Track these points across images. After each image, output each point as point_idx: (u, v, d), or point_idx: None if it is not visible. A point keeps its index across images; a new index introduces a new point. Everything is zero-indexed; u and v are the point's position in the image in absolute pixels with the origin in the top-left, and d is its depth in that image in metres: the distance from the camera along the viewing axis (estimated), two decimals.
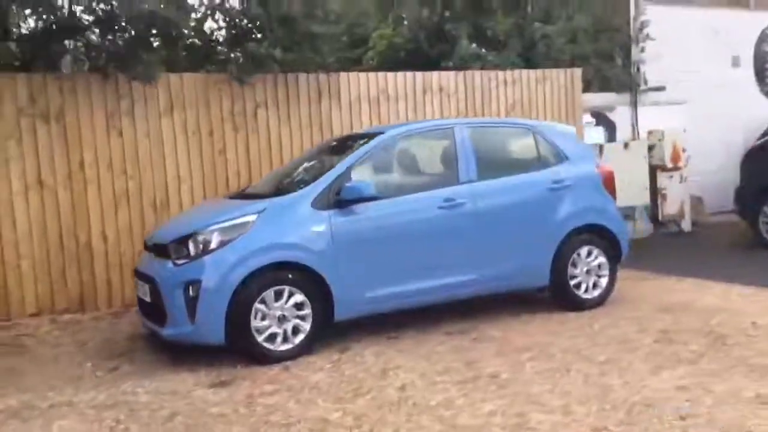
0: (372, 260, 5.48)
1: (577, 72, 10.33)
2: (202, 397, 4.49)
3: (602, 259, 6.43)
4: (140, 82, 7.19)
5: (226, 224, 5.21)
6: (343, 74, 8.79)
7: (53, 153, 7.23)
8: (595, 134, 10.82)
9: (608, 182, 6.59)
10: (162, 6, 7.07)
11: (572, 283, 6.29)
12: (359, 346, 5.48)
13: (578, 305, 6.28)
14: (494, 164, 6.22)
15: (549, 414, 3.93)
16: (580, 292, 6.32)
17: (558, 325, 5.85)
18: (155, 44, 7.97)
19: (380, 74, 9.08)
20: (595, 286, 6.40)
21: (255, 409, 4.20)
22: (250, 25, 7.74)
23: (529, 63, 10.90)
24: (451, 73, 9.50)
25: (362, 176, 5.62)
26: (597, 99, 10.74)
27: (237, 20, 7.72)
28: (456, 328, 5.88)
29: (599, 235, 6.45)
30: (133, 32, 7.42)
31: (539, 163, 6.41)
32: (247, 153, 8.10)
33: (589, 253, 6.38)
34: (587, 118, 10.67)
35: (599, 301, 6.39)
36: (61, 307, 7.19)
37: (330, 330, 5.51)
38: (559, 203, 6.24)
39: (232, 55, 7.85)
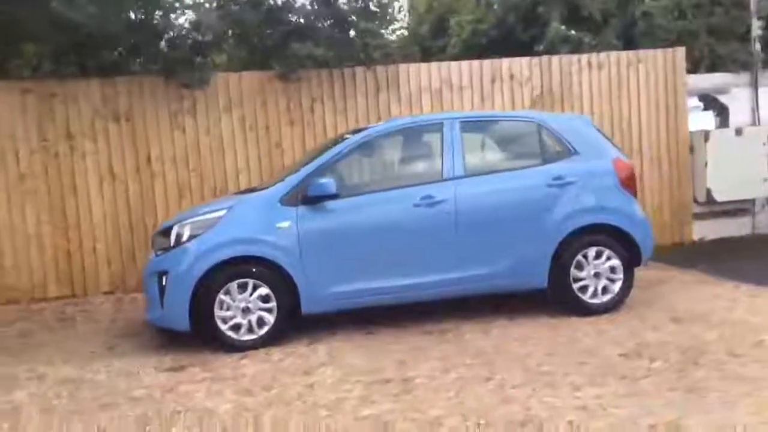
0: (339, 257, 5.58)
1: (680, 52, 9.48)
2: (145, 380, 4.92)
3: (615, 262, 5.99)
4: (193, 88, 7.77)
5: (198, 219, 5.60)
6: (402, 66, 8.84)
7: (123, 149, 8.06)
8: (703, 120, 9.85)
9: (627, 179, 6.10)
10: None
11: (576, 286, 5.93)
12: (328, 339, 5.64)
13: (583, 310, 5.92)
14: (487, 160, 6.04)
15: (415, 423, 3.87)
16: (586, 297, 5.95)
17: (541, 331, 5.59)
18: (224, 45, 8.53)
19: (443, 64, 9.00)
20: (605, 290, 5.99)
21: (167, 396, 4.54)
22: (293, 24, 8.01)
23: (631, 44, 10.15)
24: (524, 59, 9.16)
25: (339, 174, 5.73)
26: (705, 81, 9.74)
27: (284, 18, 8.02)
28: (439, 327, 5.83)
29: (613, 236, 6.00)
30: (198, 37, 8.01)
31: (540, 158, 6.10)
32: (303, 146, 8.45)
33: (599, 255, 5.97)
34: (694, 102, 9.73)
35: (610, 307, 5.97)
36: (131, 287, 8.02)
37: (320, 322, 5.75)
38: (559, 201, 5.90)
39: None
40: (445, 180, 5.80)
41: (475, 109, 8.81)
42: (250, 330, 5.48)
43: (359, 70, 8.55)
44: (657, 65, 9.37)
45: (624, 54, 9.44)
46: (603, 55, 9.37)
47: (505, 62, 9.11)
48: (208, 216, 5.60)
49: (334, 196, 5.54)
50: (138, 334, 6.14)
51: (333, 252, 5.57)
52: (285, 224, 5.51)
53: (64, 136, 7.91)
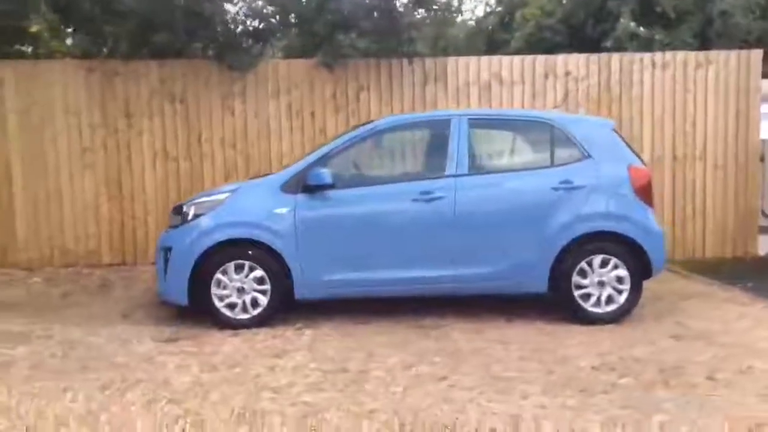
0: (334, 245, 5.70)
1: (756, 54, 8.93)
2: (134, 348, 5.25)
3: (622, 272, 5.79)
4: (241, 72, 8.09)
5: (204, 200, 5.88)
6: (451, 59, 8.81)
7: (177, 128, 8.51)
8: None
9: (642, 188, 5.86)
10: None
11: (578, 293, 5.78)
12: (319, 325, 5.79)
13: (585, 319, 5.77)
14: (492, 159, 5.97)
15: (345, 414, 3.95)
16: (588, 305, 5.79)
17: (531, 335, 5.50)
18: (277, 33, 8.80)
19: (494, 58, 8.90)
20: (610, 300, 5.80)
21: (141, 365, 4.84)
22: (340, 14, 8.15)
23: (707, 44, 9.63)
24: (582, 56, 8.91)
25: (341, 165, 5.84)
26: None
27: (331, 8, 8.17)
28: (433, 323, 5.85)
29: (622, 245, 5.80)
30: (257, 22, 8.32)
31: (550, 160, 5.96)
32: None
33: (605, 264, 5.79)
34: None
35: (613, 317, 5.78)
36: None
37: (319, 307, 5.96)
38: (565, 205, 5.76)
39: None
40: (447, 177, 5.78)
41: (526, 105, 8.69)
42: (245, 309, 5.71)
43: (407, 61, 8.59)
44: (729, 67, 8.86)
45: (692, 54, 8.98)
46: (669, 54, 8.96)
47: (561, 58, 8.88)
48: (213, 198, 5.86)
49: (330, 186, 5.65)
50: (157, 306, 6.50)
51: (328, 240, 5.69)
52: (283, 210, 5.68)
53: (123, 113, 8.43)
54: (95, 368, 4.78)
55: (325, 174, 5.60)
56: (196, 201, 5.90)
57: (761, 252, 9.06)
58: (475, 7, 12.14)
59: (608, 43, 9.52)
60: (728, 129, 8.91)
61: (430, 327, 5.75)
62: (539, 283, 5.79)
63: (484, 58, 8.86)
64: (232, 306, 5.70)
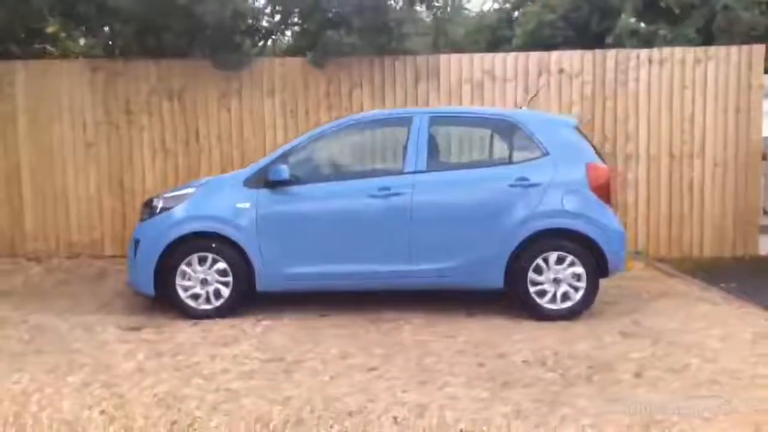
0: (293, 239, 5.86)
1: (759, 50, 8.75)
2: (95, 335, 5.51)
3: (578, 269, 5.81)
4: (231, 71, 8.34)
5: (172, 194, 6.12)
6: (443, 56, 8.88)
7: (175, 125, 8.82)
8: None
9: (600, 186, 5.87)
10: None
11: (533, 290, 5.83)
12: (280, 317, 5.94)
13: (540, 315, 5.82)
14: (453, 156, 6.06)
15: (260, 399, 4.13)
16: (543, 301, 5.83)
17: (480, 331, 5.57)
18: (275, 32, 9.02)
19: (487, 55, 8.94)
20: (565, 297, 5.83)
21: (94, 351, 5.09)
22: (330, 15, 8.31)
23: (711, 39, 9.46)
24: (576, 53, 8.88)
25: (304, 161, 6.01)
26: None
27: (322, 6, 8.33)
28: (391, 317, 5.96)
29: (578, 243, 5.83)
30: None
31: (509, 157, 6.01)
32: None
33: (561, 261, 5.82)
34: None
35: (569, 315, 5.81)
36: None
37: (294, 297, 6.15)
38: (521, 202, 5.80)
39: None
40: (406, 173, 5.88)
41: (519, 103, 8.69)
42: (208, 300, 5.93)
43: (400, 59, 8.70)
44: (730, 63, 8.71)
45: (691, 50, 8.86)
46: (667, 50, 8.85)
47: (555, 55, 8.87)
48: (181, 192, 6.10)
49: (289, 182, 5.82)
50: (136, 296, 6.77)
51: (288, 235, 5.87)
52: (245, 205, 5.88)
53: (124, 110, 8.78)
54: (51, 352, 5.07)
55: (284, 170, 5.78)
56: (165, 195, 6.15)
57: (762, 252, 8.86)
58: (483, 3, 12.09)
59: (609, 40, 9.40)
60: (728, 126, 8.75)
61: (387, 320, 5.87)
62: (495, 279, 5.85)
63: (477, 56, 8.90)
64: (196, 297, 5.93)
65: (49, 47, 10.00)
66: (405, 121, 6.04)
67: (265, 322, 5.83)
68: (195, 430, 3.76)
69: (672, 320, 5.85)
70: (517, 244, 5.80)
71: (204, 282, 5.91)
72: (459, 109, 7.18)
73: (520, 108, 6.88)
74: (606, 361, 4.81)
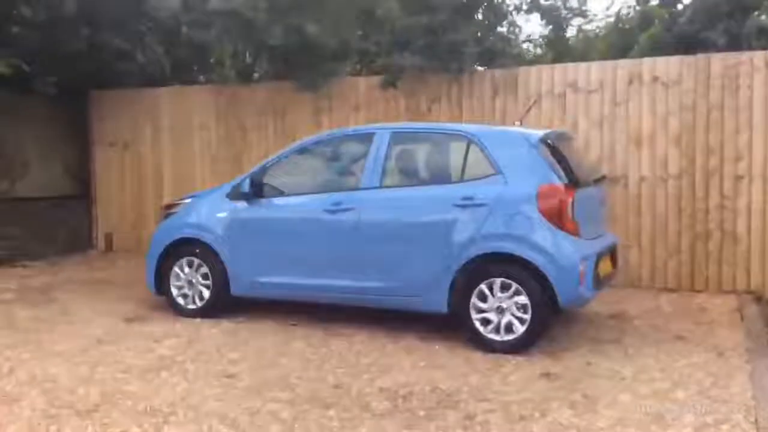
0: (258, 249, 6.18)
1: None
2: (91, 321, 6.41)
3: (524, 299, 5.31)
4: (302, 91, 8.94)
5: (178, 202, 6.83)
6: (522, 68, 8.49)
7: (278, 139, 9.61)
8: None
9: (550, 209, 5.26)
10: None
11: (477, 317, 5.46)
12: (255, 322, 6.27)
13: (483, 346, 5.42)
14: (405, 173, 5.90)
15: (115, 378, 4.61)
16: (486, 331, 5.42)
17: (400, 354, 5.37)
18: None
19: (570, 65, 8.35)
20: (509, 328, 5.37)
21: (64, 330, 5.96)
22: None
23: None
24: (674, 58, 7.87)
25: (277, 176, 6.30)
26: None
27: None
28: (340, 331, 5.96)
29: (526, 269, 5.32)
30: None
31: (459, 175, 5.68)
32: None
33: (505, 288, 5.38)
34: None
35: (513, 349, 5.32)
36: None
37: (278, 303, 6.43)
38: (465, 223, 5.45)
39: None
40: (358, 189, 5.88)
41: (605, 116, 7.97)
42: (194, 301, 6.51)
43: (478, 73, 8.51)
44: None
45: None
46: None
47: (647, 62, 7.95)
48: (183, 201, 6.78)
49: (258, 195, 6.17)
50: None
51: (254, 244, 6.21)
52: (224, 214, 6.36)
53: (239, 128, 9.80)
54: (35, 330, 6.04)
55: (245, 184, 6.16)
56: (173, 202, 6.88)
57: None
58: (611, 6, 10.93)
59: (723, 41, 8.09)
60: None
61: (331, 334, 5.87)
62: (439, 303, 5.56)
63: (559, 66, 8.31)
64: (185, 296, 6.54)
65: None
66: (368, 137, 6.02)
67: (237, 326, 6.15)
68: None
69: (628, 366, 5.02)
70: (459, 268, 5.46)
71: (190, 284, 6.49)
72: (420, 125, 6.77)
73: (518, 123, 6.36)
74: (459, 400, 4.39)
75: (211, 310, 6.41)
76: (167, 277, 6.58)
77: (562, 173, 5.43)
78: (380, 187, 5.81)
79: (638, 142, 7.85)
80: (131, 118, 10.42)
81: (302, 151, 6.34)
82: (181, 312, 6.49)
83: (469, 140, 5.65)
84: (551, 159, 5.49)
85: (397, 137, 5.94)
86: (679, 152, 7.69)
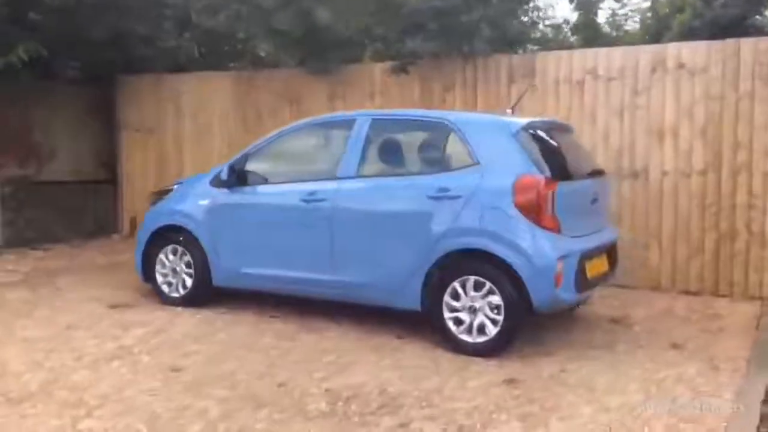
0: (238, 239, 5.99)
1: None
2: (78, 307, 6.36)
3: (497, 299, 4.97)
4: (311, 74, 8.73)
5: (164, 190, 6.72)
6: (540, 54, 8.07)
7: None
8: None
9: (526, 203, 4.88)
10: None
11: (450, 316, 5.14)
12: (234, 314, 6.09)
13: (456, 346, 5.10)
14: (383, 162, 5.60)
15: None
16: (458, 331, 5.10)
17: (364, 351, 5.12)
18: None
19: (590, 51, 7.86)
20: (481, 330, 5.04)
21: (51, 321, 5.86)
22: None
23: None
24: (702, 44, 7.30)
25: (257, 163, 6.10)
26: None
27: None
28: (324, 326, 5.72)
29: (499, 268, 4.97)
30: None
31: (438, 165, 5.35)
32: None
33: (478, 287, 5.04)
34: None
35: (485, 351, 4.99)
36: None
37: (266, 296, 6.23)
38: (439, 216, 5.13)
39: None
40: (334, 179, 5.62)
41: (625, 105, 7.48)
42: (177, 289, 6.39)
43: (494, 58, 8.13)
44: None
45: None
46: None
47: (672, 47, 7.39)
48: (169, 188, 6.67)
49: (239, 182, 5.99)
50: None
51: (232, 234, 6.03)
52: (204, 202, 6.21)
53: (255, 115, 9.68)
54: (14, 313, 6.05)
55: (222, 172, 5.98)
56: (163, 188, 6.78)
57: None
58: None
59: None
60: None
61: (305, 328, 5.66)
62: (411, 300, 5.26)
63: (578, 52, 7.83)
64: (169, 284, 6.43)
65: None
66: (348, 124, 5.75)
67: (216, 317, 6.00)
68: None
69: (603, 378, 4.63)
70: (432, 264, 5.15)
71: (174, 272, 6.37)
72: (401, 111, 6.36)
73: (509, 111, 5.96)
74: (402, 405, 4.11)
75: (194, 300, 6.28)
76: (151, 265, 6.46)
77: (544, 165, 5.02)
78: (356, 176, 5.54)
79: (660, 134, 7.31)
80: (156, 103, 10.43)
81: (283, 138, 6.09)
82: (165, 300, 6.38)
83: (449, 128, 5.32)
84: (534, 149, 5.10)
85: (377, 124, 5.64)
86: (705, 145, 7.12)
